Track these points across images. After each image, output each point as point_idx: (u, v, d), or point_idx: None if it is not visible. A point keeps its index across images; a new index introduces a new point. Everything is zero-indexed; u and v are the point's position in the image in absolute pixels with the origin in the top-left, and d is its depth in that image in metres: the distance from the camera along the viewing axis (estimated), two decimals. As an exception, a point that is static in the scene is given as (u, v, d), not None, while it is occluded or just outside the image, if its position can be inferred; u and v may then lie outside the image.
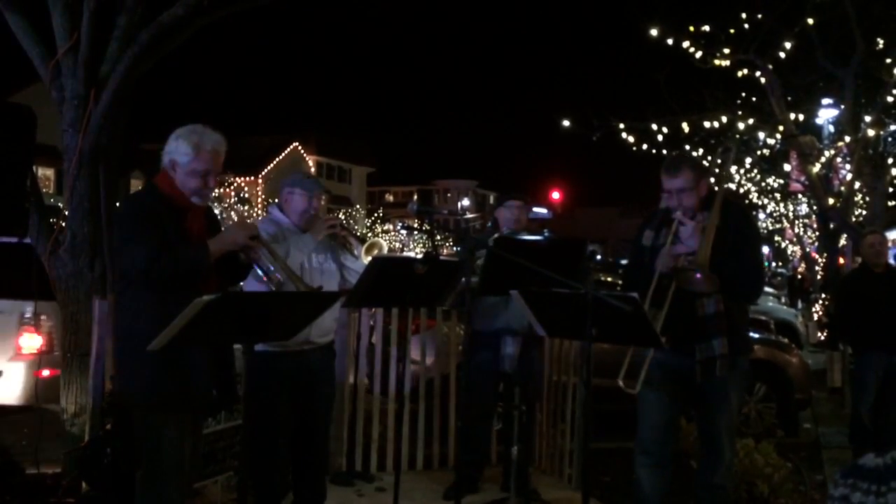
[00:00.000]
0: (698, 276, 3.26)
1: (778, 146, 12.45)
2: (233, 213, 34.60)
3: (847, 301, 5.94)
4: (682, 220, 3.45)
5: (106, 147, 4.64)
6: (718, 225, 3.38)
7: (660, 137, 11.71)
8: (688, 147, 12.04)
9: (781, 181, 16.80)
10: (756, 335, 7.70)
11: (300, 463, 3.85)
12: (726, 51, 10.64)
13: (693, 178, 3.49)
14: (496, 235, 4.61)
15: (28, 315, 5.99)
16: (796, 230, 23.07)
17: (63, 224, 4.62)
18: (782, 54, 10.65)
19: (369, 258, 3.80)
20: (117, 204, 4.22)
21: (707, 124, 11.48)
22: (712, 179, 3.69)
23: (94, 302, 4.17)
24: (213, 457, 3.95)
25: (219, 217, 3.57)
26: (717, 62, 10.70)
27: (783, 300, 18.45)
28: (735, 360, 3.46)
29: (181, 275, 2.84)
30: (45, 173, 28.78)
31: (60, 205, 4.75)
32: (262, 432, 3.58)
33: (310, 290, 3.12)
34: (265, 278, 3.08)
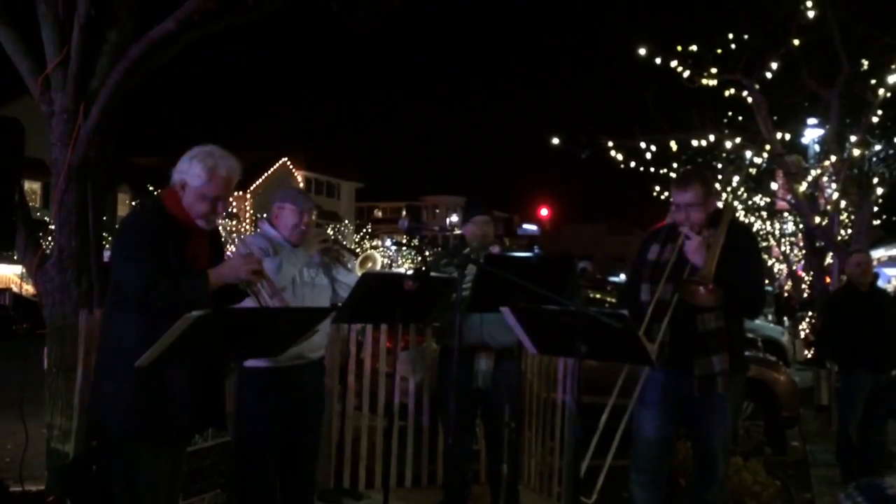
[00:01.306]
0: (702, 290, 3.27)
1: (764, 165, 12.54)
2: (220, 228, 34.48)
3: (833, 319, 5.98)
4: (689, 234, 3.46)
5: (94, 161, 4.63)
6: (724, 243, 3.39)
7: (648, 155, 11.79)
8: (675, 165, 12.12)
9: (768, 199, 16.91)
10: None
11: (288, 480, 3.82)
12: (713, 70, 10.74)
13: (703, 193, 3.52)
14: (467, 251, 4.59)
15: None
16: (783, 248, 23.21)
17: (50, 238, 4.59)
18: (769, 74, 10.76)
19: (363, 272, 3.79)
20: (120, 216, 4.19)
21: (695, 143, 11.57)
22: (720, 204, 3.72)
23: (80, 316, 4.15)
24: (199, 474, 3.91)
25: None
26: (704, 81, 10.79)
27: (770, 318, 18.50)
28: (734, 377, 3.47)
29: (178, 305, 2.67)
30: (31, 187, 28.57)
31: (47, 219, 4.73)
32: (250, 449, 3.56)
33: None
34: None
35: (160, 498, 2.92)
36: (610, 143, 11.71)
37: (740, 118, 12.05)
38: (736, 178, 13.97)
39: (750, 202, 18.17)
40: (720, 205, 3.74)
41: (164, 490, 2.95)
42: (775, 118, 11.63)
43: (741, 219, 19.77)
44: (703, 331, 3.42)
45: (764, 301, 3.91)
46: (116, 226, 3.13)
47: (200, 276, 2.84)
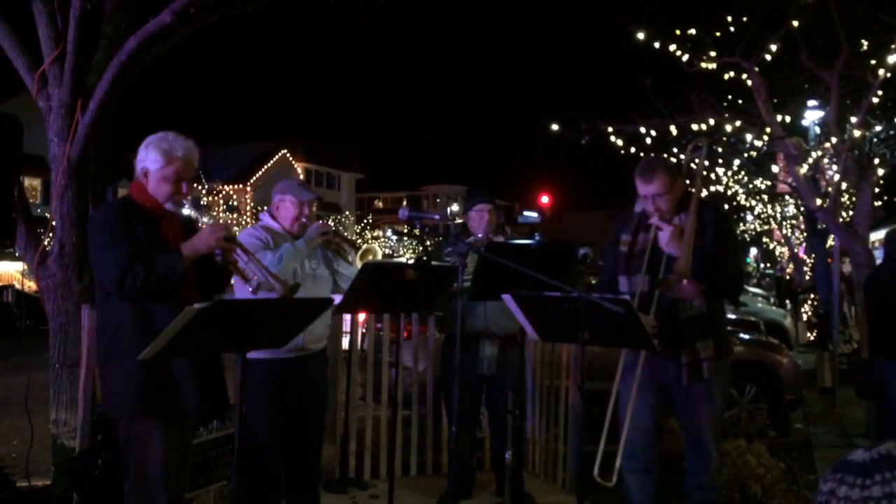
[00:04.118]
0: (685, 282, 3.25)
1: (765, 148, 12.49)
2: (221, 221, 34.49)
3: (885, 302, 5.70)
4: (660, 225, 3.43)
5: (93, 156, 4.62)
6: (696, 227, 3.37)
7: (648, 141, 11.74)
8: (675, 150, 12.07)
9: (769, 182, 16.87)
10: (746, 336, 7.73)
11: (293, 471, 3.83)
12: (712, 54, 10.68)
13: (668, 181, 3.47)
14: (470, 240, 4.59)
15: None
16: (784, 231, 23.19)
17: (51, 234, 4.59)
18: (768, 57, 10.70)
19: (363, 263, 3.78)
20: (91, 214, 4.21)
21: (695, 127, 11.52)
22: (687, 181, 3.67)
23: (83, 311, 4.15)
24: (205, 466, 3.92)
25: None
26: (703, 65, 10.72)
27: (772, 301, 18.50)
28: (719, 360, 3.47)
29: (155, 282, 2.83)
30: (31, 184, 28.59)
31: (48, 215, 4.72)
32: (254, 441, 3.57)
33: (289, 287, 3.06)
34: (242, 280, 3.06)
35: (171, 479, 2.95)
36: (609, 129, 11.66)
37: (740, 101, 11.99)
38: (737, 162, 13.94)
39: (751, 185, 18.13)
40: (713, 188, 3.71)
41: (174, 472, 2.98)
42: (775, 101, 11.58)
43: (742, 201, 19.78)
44: (686, 318, 3.42)
45: (743, 282, 3.88)
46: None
47: (174, 253, 2.92)
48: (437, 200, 65.54)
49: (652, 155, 12.05)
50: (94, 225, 3.03)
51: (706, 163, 11.84)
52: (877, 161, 11.49)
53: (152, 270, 2.83)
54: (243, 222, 35.48)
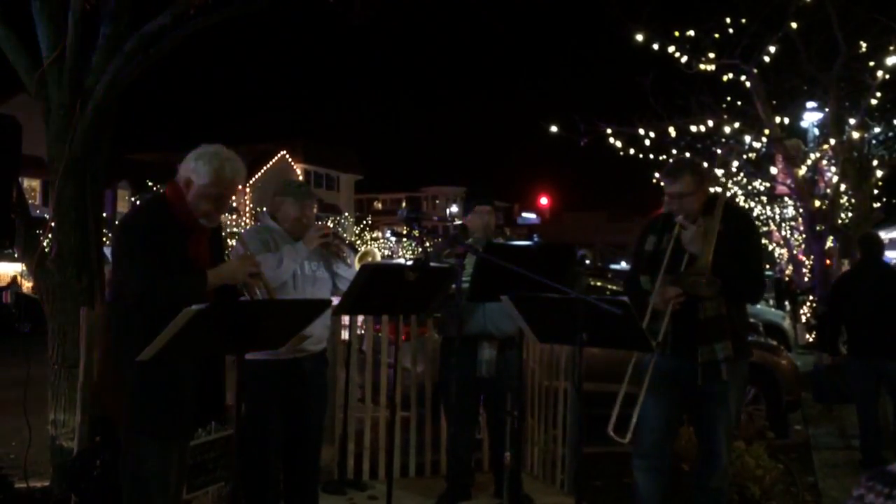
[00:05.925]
0: (702, 280, 3.27)
1: (763, 149, 12.51)
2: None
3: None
4: (685, 224, 3.45)
5: (92, 157, 4.62)
6: (721, 229, 3.39)
7: (647, 142, 11.77)
8: (675, 151, 12.10)
9: (767, 184, 16.89)
10: (745, 338, 7.74)
11: (291, 472, 3.83)
12: (711, 55, 10.70)
13: (694, 182, 3.49)
14: (469, 241, 4.60)
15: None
16: (783, 233, 23.20)
17: (50, 235, 4.59)
18: (766, 58, 10.73)
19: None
20: (120, 212, 4.18)
21: (693, 128, 11.55)
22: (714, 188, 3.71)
23: (81, 312, 4.15)
24: (203, 467, 3.91)
25: None
26: (702, 67, 10.75)
27: (770, 302, 18.50)
28: (736, 363, 3.47)
29: (177, 301, 2.74)
30: (30, 185, 28.57)
31: (47, 216, 4.72)
32: (253, 442, 3.57)
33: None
34: None
35: (170, 490, 2.95)
36: (609, 131, 11.69)
37: (739, 103, 12.02)
38: (735, 163, 13.96)
39: (749, 187, 18.15)
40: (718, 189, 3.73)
41: (174, 482, 2.98)
42: (774, 102, 11.61)
43: (741, 203, 19.80)
44: (704, 318, 3.42)
45: (764, 286, 3.90)
46: (116, 222, 3.16)
47: (199, 276, 2.88)
48: (437, 202, 65.57)
49: (651, 156, 12.09)
50: (126, 226, 2.97)
51: (705, 163, 11.90)
52: (875, 163, 11.51)
53: (175, 293, 2.79)
54: (242, 223, 35.46)
